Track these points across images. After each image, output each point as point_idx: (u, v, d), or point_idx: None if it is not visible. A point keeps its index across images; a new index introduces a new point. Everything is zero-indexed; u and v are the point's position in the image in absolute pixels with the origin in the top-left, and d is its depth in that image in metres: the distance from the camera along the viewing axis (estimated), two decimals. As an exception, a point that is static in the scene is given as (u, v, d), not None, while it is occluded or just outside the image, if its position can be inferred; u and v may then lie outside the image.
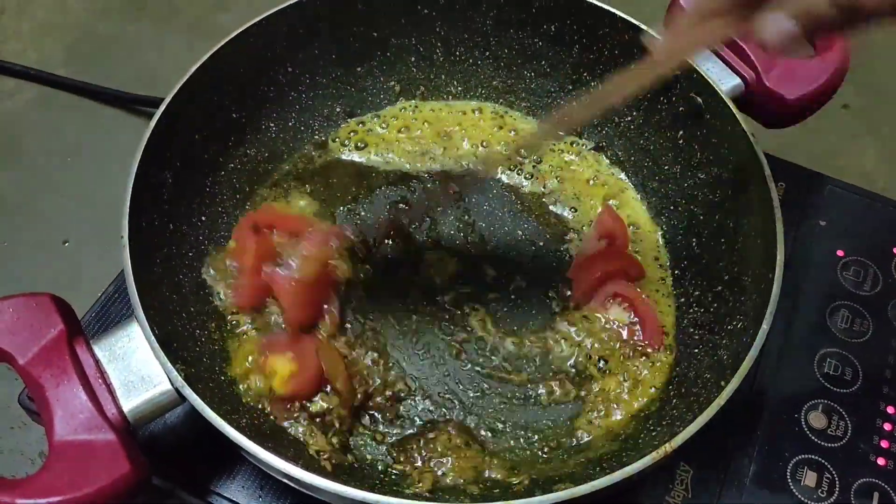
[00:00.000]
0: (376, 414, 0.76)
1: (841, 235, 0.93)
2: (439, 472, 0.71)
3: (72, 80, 1.16)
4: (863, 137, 1.19)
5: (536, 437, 0.76)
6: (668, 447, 0.60)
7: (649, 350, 0.79)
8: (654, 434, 0.69)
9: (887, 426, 0.80)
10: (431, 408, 0.77)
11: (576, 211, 0.91)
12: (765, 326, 0.66)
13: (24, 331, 0.64)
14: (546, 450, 0.75)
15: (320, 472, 0.59)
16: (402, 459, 0.73)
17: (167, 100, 0.77)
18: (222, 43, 0.82)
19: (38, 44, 1.24)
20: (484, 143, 0.95)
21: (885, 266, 0.91)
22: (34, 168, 1.10)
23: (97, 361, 0.64)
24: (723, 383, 0.63)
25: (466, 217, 0.90)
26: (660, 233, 0.89)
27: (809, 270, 0.90)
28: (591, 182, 0.93)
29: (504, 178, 0.93)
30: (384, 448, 0.74)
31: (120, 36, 1.26)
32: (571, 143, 0.95)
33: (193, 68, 0.80)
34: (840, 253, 0.92)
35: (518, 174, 0.93)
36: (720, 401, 0.62)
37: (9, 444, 0.87)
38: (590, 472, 0.67)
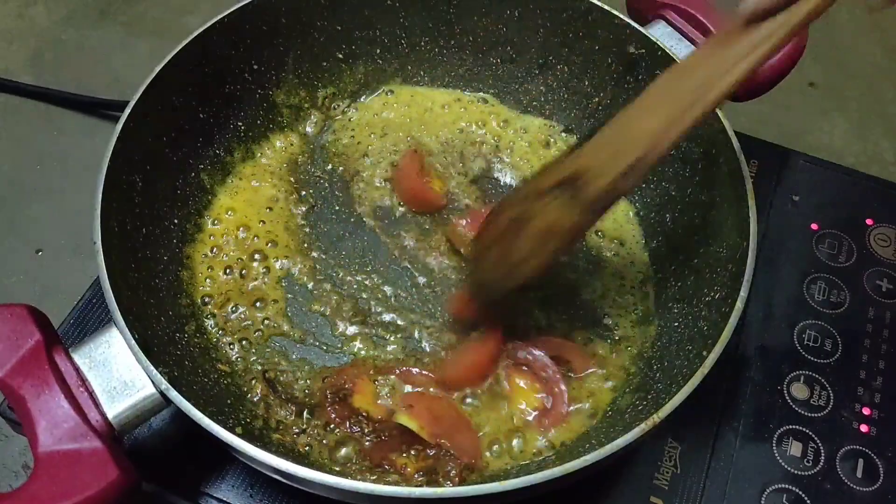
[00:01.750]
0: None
1: (814, 210, 0.94)
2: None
3: (37, 87, 1.15)
4: (831, 114, 1.20)
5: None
6: (655, 417, 0.60)
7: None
8: (639, 409, 0.69)
9: (868, 394, 0.81)
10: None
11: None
12: (742, 294, 0.66)
13: (1, 343, 0.63)
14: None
15: (310, 465, 0.59)
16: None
17: (132, 102, 0.76)
18: (185, 43, 0.81)
19: (2, 52, 1.22)
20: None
21: (859, 237, 0.92)
22: (3, 177, 1.09)
23: (77, 369, 0.64)
24: (705, 353, 0.63)
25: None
26: (633, 210, 0.89)
27: (785, 245, 0.91)
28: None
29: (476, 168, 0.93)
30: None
31: (84, 42, 1.24)
32: (542, 126, 0.96)
33: (157, 69, 0.79)
34: (814, 227, 0.93)
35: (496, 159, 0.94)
36: (704, 369, 0.62)
37: (-10, 456, 0.87)
38: (580, 449, 0.67)
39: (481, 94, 0.98)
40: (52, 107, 1.15)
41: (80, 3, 1.29)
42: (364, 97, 0.98)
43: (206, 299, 0.81)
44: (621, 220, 0.88)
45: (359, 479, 0.58)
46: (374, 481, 0.59)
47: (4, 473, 0.85)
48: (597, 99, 0.92)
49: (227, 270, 0.83)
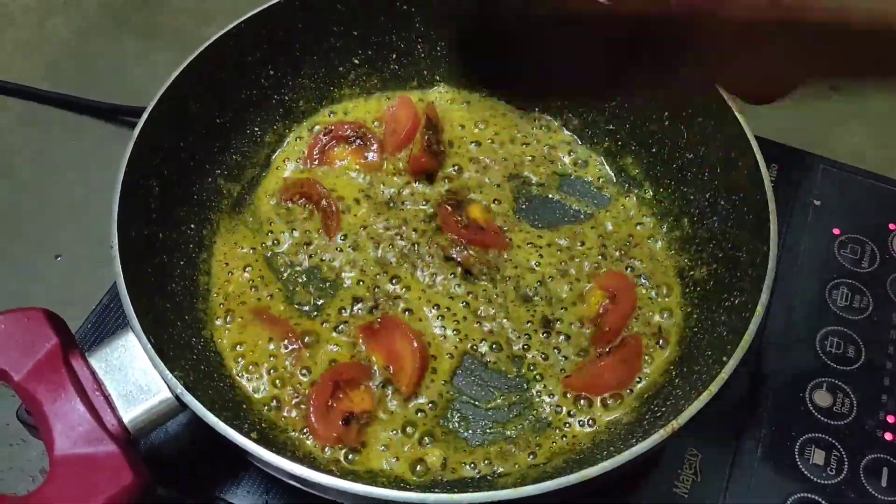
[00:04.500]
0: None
1: (836, 214, 0.93)
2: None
3: (56, 93, 1.16)
4: (852, 119, 1.19)
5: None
6: (674, 424, 0.59)
7: None
8: (658, 415, 0.68)
9: (892, 401, 0.80)
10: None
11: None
12: (763, 299, 0.65)
13: (18, 347, 0.63)
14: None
15: (327, 471, 0.58)
16: None
17: (150, 107, 0.77)
18: (202, 48, 0.82)
19: (21, 61, 1.23)
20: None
21: (882, 242, 0.91)
22: (22, 183, 1.10)
23: (94, 373, 0.64)
24: (725, 359, 0.63)
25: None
26: (653, 216, 0.88)
27: (806, 250, 0.90)
28: (579, 168, 0.93)
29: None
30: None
31: (103, 52, 1.25)
32: (556, 131, 0.96)
33: (174, 74, 0.79)
34: (836, 231, 0.92)
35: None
36: (724, 375, 0.61)
37: (8, 461, 0.87)
38: (597, 455, 0.67)
39: (496, 98, 0.98)
40: (71, 114, 1.16)
41: (99, 15, 1.30)
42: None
43: (223, 305, 0.81)
44: (642, 226, 0.88)
45: (373, 486, 0.57)
46: (389, 487, 0.58)
47: (21, 478, 0.86)
48: (614, 102, 0.91)
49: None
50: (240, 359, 0.77)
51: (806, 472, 0.76)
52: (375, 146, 0.91)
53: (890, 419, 0.79)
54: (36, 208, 1.07)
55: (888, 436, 0.78)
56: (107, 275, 0.83)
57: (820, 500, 0.74)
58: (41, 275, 1.01)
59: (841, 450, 0.77)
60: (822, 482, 0.75)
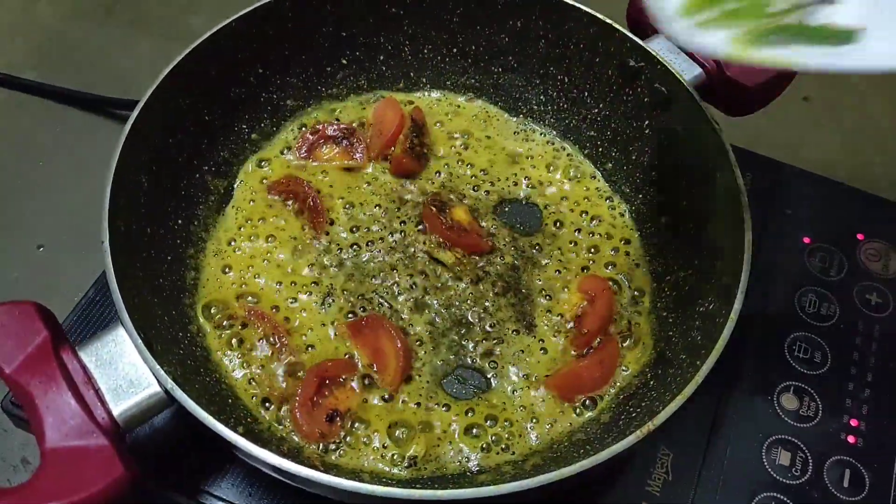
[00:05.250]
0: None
1: (807, 223, 0.96)
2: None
3: (40, 83, 1.15)
4: (824, 128, 1.21)
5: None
6: (650, 425, 0.61)
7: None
8: (634, 416, 0.70)
9: (856, 406, 0.83)
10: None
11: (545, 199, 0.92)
12: (737, 306, 0.67)
13: (9, 339, 0.64)
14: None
15: (311, 466, 0.60)
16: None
17: (141, 103, 0.77)
18: (194, 45, 0.82)
19: (4, 47, 1.23)
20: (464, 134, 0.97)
21: (850, 252, 0.94)
22: (4, 172, 1.09)
23: (84, 367, 0.65)
24: (698, 363, 0.65)
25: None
26: (631, 221, 0.90)
27: (777, 258, 0.93)
28: (561, 173, 0.94)
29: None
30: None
31: (88, 39, 1.25)
32: (541, 135, 0.97)
33: (166, 71, 0.80)
34: (806, 240, 0.95)
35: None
36: (698, 379, 0.63)
37: (-10, 451, 0.87)
38: (574, 455, 0.69)
39: (481, 101, 1.00)
40: (55, 103, 1.16)
41: (85, 1, 1.30)
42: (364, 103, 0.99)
43: (210, 300, 0.82)
44: (619, 232, 0.89)
45: (357, 481, 0.59)
46: (372, 482, 0.60)
47: (3, 468, 0.86)
48: (596, 109, 0.93)
49: (226, 269, 0.84)
50: (226, 354, 0.78)
51: (772, 473, 0.78)
52: (362, 146, 0.93)
53: (853, 423, 0.82)
54: (18, 197, 1.07)
55: (851, 439, 0.81)
56: (89, 266, 0.84)
57: (785, 499, 0.77)
58: (23, 265, 1.01)
59: (806, 451, 0.80)
60: (788, 482, 0.78)
